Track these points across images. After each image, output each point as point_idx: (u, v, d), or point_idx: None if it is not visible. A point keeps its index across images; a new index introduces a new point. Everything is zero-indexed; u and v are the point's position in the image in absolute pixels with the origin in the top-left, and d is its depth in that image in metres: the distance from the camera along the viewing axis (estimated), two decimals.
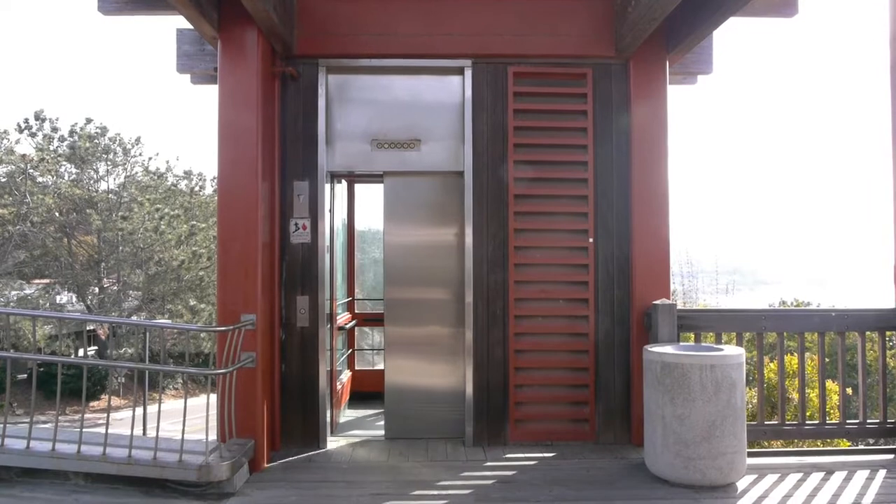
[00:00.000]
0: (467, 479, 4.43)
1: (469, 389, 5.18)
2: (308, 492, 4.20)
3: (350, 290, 7.36)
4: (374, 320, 7.47)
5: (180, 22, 4.89)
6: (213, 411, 4.44)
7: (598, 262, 5.24)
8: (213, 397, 4.46)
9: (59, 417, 4.30)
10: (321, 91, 5.17)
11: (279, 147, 5.11)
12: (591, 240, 5.23)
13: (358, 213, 7.66)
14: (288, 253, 5.13)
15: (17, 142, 25.58)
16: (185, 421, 4.16)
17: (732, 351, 4.29)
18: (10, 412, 15.83)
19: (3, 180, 25.07)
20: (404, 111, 5.31)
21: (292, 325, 5.11)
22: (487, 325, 5.20)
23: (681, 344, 4.72)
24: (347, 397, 6.67)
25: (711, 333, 5.11)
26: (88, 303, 26.20)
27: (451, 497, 4.09)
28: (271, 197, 4.96)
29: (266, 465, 4.64)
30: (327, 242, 5.26)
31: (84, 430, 4.21)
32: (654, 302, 4.91)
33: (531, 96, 5.26)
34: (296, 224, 5.14)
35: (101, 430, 4.23)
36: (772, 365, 6.75)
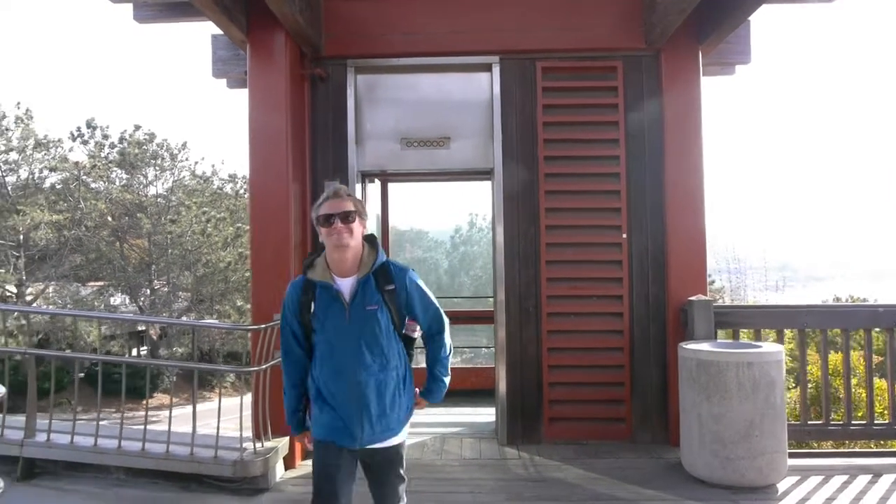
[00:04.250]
0: (500, 477, 4.40)
1: (502, 387, 5.14)
2: None
3: None
4: None
5: (214, 28, 5.00)
6: (249, 409, 4.52)
7: (632, 257, 5.13)
8: (249, 395, 4.54)
9: (115, 415, 4.46)
10: (350, 91, 5.21)
11: (310, 148, 5.17)
12: (624, 235, 5.12)
13: (397, 212, 7.71)
14: None
15: (71, 149, 26.72)
16: (220, 418, 4.25)
17: (771, 348, 4.15)
18: (69, 409, 16.45)
19: (59, 187, 26.19)
20: (433, 109, 5.30)
21: None
22: (520, 322, 5.16)
23: (717, 341, 4.60)
24: None
25: (751, 330, 4.95)
26: (140, 304, 27.05)
27: (484, 495, 4.08)
28: (303, 198, 5.02)
29: (300, 462, 4.70)
30: None
31: (128, 426, 4.35)
32: (690, 298, 4.79)
33: (560, 91, 5.19)
34: None
35: (154, 427, 4.37)
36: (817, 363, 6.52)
